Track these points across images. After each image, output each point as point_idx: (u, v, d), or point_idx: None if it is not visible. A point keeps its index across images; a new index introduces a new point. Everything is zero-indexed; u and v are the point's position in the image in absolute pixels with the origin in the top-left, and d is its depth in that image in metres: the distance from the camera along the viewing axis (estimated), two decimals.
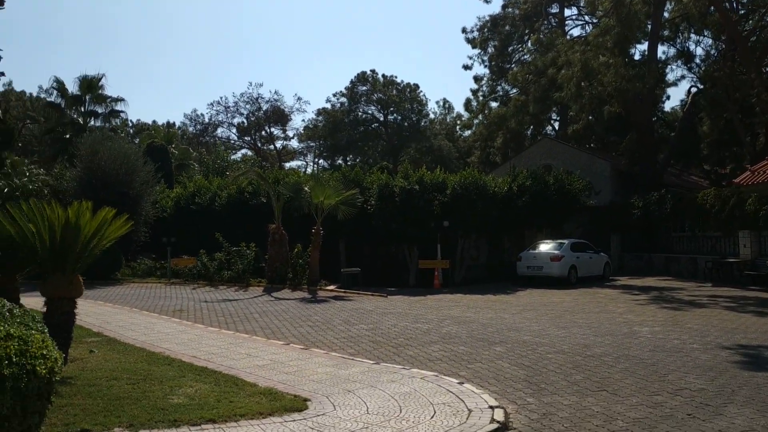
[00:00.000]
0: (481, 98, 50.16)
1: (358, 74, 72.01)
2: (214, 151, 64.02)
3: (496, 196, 25.24)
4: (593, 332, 12.78)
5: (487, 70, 50.14)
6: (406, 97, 73.20)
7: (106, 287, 22.66)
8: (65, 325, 9.17)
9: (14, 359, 5.38)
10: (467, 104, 48.76)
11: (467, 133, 72.17)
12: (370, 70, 72.37)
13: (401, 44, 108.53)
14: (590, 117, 37.64)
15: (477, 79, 51.23)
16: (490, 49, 48.52)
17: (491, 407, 7.05)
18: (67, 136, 36.53)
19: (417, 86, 73.38)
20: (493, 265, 27.56)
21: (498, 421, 6.54)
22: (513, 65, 48.46)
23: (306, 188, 22.49)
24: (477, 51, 49.45)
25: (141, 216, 27.92)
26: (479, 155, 50.47)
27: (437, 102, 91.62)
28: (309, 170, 71.17)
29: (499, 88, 49.62)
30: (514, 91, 46.66)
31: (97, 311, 15.47)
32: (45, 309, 9.20)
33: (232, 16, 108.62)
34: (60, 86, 37.21)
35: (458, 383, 8.19)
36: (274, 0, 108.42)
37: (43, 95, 55.65)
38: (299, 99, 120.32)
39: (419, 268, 24.78)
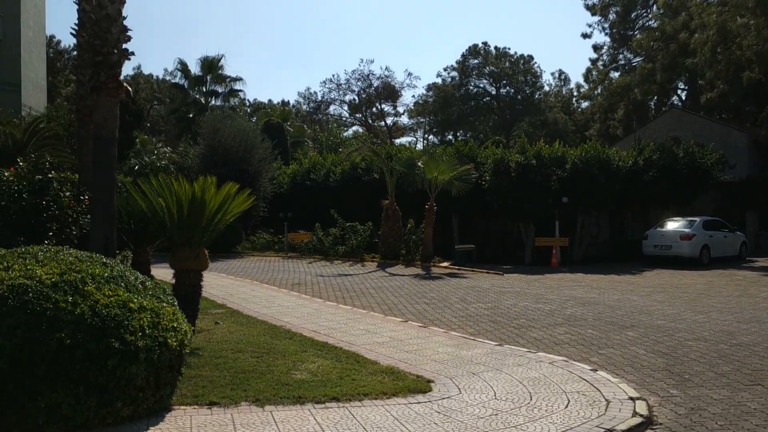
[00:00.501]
0: (601, 68, 47.65)
1: (469, 47, 70.66)
2: (327, 129, 65.11)
3: (619, 170, 23.84)
4: (736, 318, 11.68)
5: (607, 38, 47.60)
6: (520, 69, 71.06)
7: (228, 260, 23.55)
8: (192, 297, 9.40)
9: (147, 331, 5.44)
10: (587, 74, 46.57)
11: (584, 105, 69.17)
12: (482, 43, 70.80)
13: (515, 14, 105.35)
14: (725, 85, 34.66)
15: (596, 48, 48.82)
16: (611, 16, 45.85)
17: (631, 398, 6.46)
18: (191, 115, 38.24)
19: (531, 57, 71.08)
20: (615, 243, 26.21)
21: (641, 415, 5.97)
22: (636, 32, 45.58)
23: (419, 163, 22.20)
24: (597, 18, 46.89)
25: (259, 192, 28.79)
26: (598, 128, 48.11)
27: (552, 74, 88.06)
28: (419, 146, 70.94)
29: (620, 56, 46.94)
30: (638, 59, 43.99)
31: (220, 283, 16.01)
32: (173, 281, 9.50)
33: None
34: (183, 68, 38.98)
35: (591, 370, 7.63)
36: None
37: (168, 77, 58.61)
38: (410, 74, 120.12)
39: (535, 246, 23.95)
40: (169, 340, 5.63)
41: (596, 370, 7.63)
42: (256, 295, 13.93)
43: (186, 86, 39.68)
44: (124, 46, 10.05)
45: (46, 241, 11.01)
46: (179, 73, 39.31)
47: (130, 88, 10.13)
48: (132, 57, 10.23)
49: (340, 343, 8.91)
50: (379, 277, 18.37)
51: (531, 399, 6.41)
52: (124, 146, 25.83)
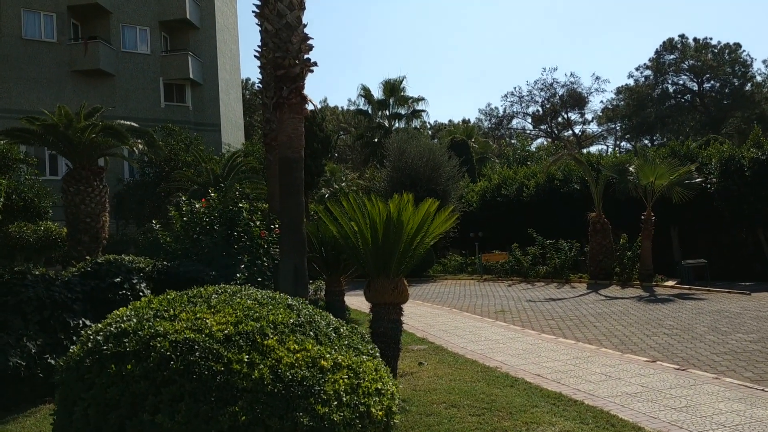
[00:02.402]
0: None
1: (664, 42, 64.55)
2: (516, 138, 62.88)
3: None
4: None
5: None
6: (725, 59, 63.47)
7: (421, 284, 22.40)
8: (392, 335, 8.05)
9: (344, 398, 4.01)
10: None
11: None
12: (679, 36, 64.40)
13: (714, 1, 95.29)
14: None
15: None
16: None
17: None
18: (376, 139, 38.30)
19: (738, 46, 63.16)
20: None
21: None
22: None
23: (631, 168, 19.42)
24: None
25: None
26: None
27: (764, 61, 78.13)
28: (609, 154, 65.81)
29: None
30: None
31: (417, 312, 14.71)
32: (370, 316, 8.24)
33: (519, 2, 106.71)
34: (366, 93, 39.23)
35: None
36: None
37: (351, 107, 60.23)
38: (597, 78, 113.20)
39: None
40: (373, 408, 4.18)
41: None
42: (458, 326, 12.37)
43: (369, 111, 39.92)
44: (306, 56, 9.12)
45: (237, 275, 10.39)
46: (362, 99, 39.69)
47: (315, 104, 9.19)
48: (315, 68, 9.29)
49: (577, 394, 6.99)
50: (594, 300, 15.98)
51: None
52: (314, 173, 26.09)
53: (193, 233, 10.71)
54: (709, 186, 20.71)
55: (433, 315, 14.16)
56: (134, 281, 8.62)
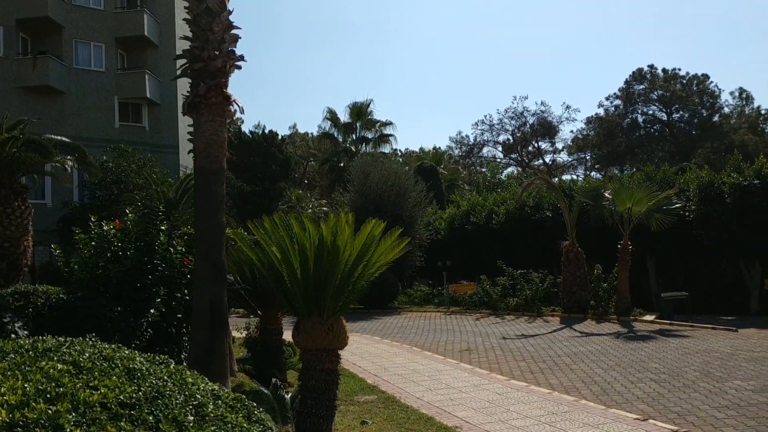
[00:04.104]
0: None
1: (633, 72, 64.67)
2: (486, 166, 62.13)
3: None
4: None
5: None
6: (693, 90, 63.77)
7: (384, 317, 20.81)
8: (326, 388, 6.46)
9: None
10: None
11: None
12: (648, 66, 64.55)
13: (682, 32, 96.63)
14: None
15: None
16: None
17: None
18: (341, 164, 36.88)
19: (706, 77, 63.56)
20: None
21: None
22: None
23: (606, 194, 18.18)
24: None
25: (415, 239, 26.12)
26: None
27: (731, 93, 78.85)
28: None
29: None
30: None
31: (373, 351, 13.09)
32: (300, 365, 6.65)
33: (489, 30, 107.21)
34: (332, 116, 37.93)
35: None
36: (531, 7, 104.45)
37: (320, 133, 58.94)
38: (568, 107, 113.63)
39: (765, 289, 18.78)
40: None
41: None
42: (417, 369, 10.78)
43: (335, 135, 38.56)
44: (231, 48, 7.61)
45: (152, 310, 8.73)
46: (328, 123, 38.31)
47: (240, 105, 7.64)
48: (243, 63, 7.79)
49: None
50: (569, 337, 14.53)
51: None
52: (272, 197, 24.59)
53: (100, 260, 9.02)
54: (687, 213, 19.58)
55: (390, 355, 12.55)
56: (5, 320, 6.92)
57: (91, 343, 3.50)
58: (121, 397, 2.85)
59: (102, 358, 3.25)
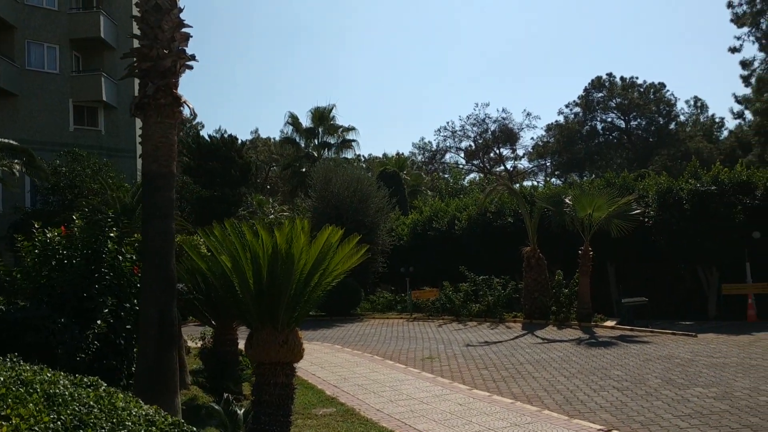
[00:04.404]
0: (753, 85, 41.64)
1: (592, 80, 65.67)
2: (449, 172, 62.35)
3: None
4: None
5: (761, 53, 41.57)
6: (650, 98, 65.10)
7: (345, 324, 20.51)
8: (281, 404, 6.18)
9: None
10: (758, 84, 40.47)
11: (725, 134, 62.39)
12: (607, 74, 65.72)
13: (640, 41, 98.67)
14: None
15: (746, 64, 42.77)
16: (763, 25, 39.99)
17: None
18: (303, 169, 36.45)
19: (663, 85, 64.91)
20: None
21: None
22: None
23: (567, 199, 18.22)
24: (745, 30, 41.13)
25: (378, 245, 25.87)
26: (758, 153, 41.74)
27: (687, 101, 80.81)
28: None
29: None
30: None
31: (333, 360, 12.79)
32: (253, 378, 6.34)
33: (451, 37, 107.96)
34: (294, 120, 37.48)
35: None
36: (493, 13, 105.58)
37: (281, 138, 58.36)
38: (528, 114, 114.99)
39: (722, 294, 19.03)
40: None
41: None
42: (377, 379, 10.52)
43: (297, 140, 38.11)
44: (182, 47, 7.27)
45: (98, 321, 8.31)
46: (291, 127, 37.84)
47: (192, 107, 7.29)
48: (194, 63, 7.45)
49: None
50: (531, 344, 14.45)
51: None
52: (231, 203, 24.06)
53: (44, 269, 8.55)
54: (647, 219, 19.76)
55: (351, 364, 12.26)
56: None
57: (9, 365, 3.15)
58: (36, 429, 2.53)
59: (19, 383, 2.91)
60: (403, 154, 74.41)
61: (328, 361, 12.56)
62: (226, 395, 6.65)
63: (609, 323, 17.09)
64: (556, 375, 10.57)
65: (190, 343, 13.94)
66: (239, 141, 28.31)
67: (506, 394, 9.26)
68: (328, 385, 10.10)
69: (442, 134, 74.22)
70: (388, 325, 20.11)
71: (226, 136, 28.55)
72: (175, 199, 7.20)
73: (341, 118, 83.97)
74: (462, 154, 74.32)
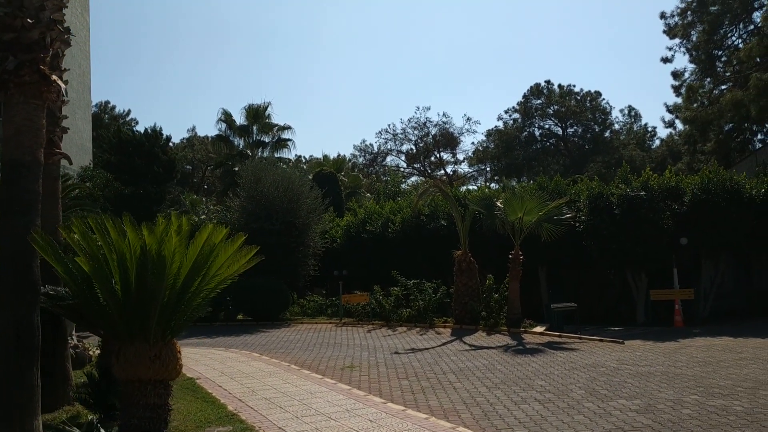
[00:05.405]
0: (683, 94, 42.76)
1: (531, 87, 66.54)
2: (388, 175, 61.94)
3: (753, 201, 18.88)
4: None
5: (690, 64, 42.74)
6: (587, 106, 66.38)
7: (271, 330, 19.62)
8: (152, 428, 5.35)
9: None
10: (687, 93, 41.46)
11: (656, 143, 64.37)
12: (545, 81, 66.58)
13: (577, 51, 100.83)
14: None
15: (677, 74, 43.92)
16: (694, 37, 41.05)
17: None
18: (236, 168, 35.25)
19: (599, 94, 66.36)
20: (743, 293, 21.06)
21: None
22: (723, 52, 40.77)
23: (498, 203, 17.86)
24: (677, 41, 42.19)
25: (309, 247, 25.04)
26: (687, 161, 42.91)
27: (621, 110, 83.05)
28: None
29: (707, 80, 41.85)
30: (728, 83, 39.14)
31: (246, 370, 11.94)
32: (121, 401, 5.50)
33: (393, 39, 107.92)
34: (227, 118, 36.23)
35: None
36: (437, 20, 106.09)
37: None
38: (469, 119, 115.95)
39: (651, 300, 19.04)
40: None
41: None
42: (288, 392, 9.75)
43: (231, 137, 36.86)
44: (53, 16, 6.36)
45: None
46: (224, 124, 36.54)
47: (63, 85, 6.39)
48: (71, 38, 6.56)
49: None
50: (457, 351, 13.94)
51: None
52: (152, 201, 22.78)
53: None
54: (578, 224, 19.62)
55: (264, 374, 11.44)
56: None
57: None
58: None
59: None
60: (345, 156, 73.77)
61: (240, 371, 11.71)
62: (91, 418, 5.79)
63: (538, 329, 16.79)
64: (478, 385, 10.04)
65: (92, 352, 12.89)
66: (164, 136, 26.97)
67: (423, 408, 8.64)
68: (232, 398, 9.27)
69: (383, 137, 73.86)
70: (315, 330, 19.33)
71: (149, 130, 27.14)
72: (40, 192, 6.27)
73: (281, 118, 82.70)
74: (403, 157, 74.16)
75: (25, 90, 6.10)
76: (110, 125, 63.06)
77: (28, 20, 6.13)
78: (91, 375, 7.99)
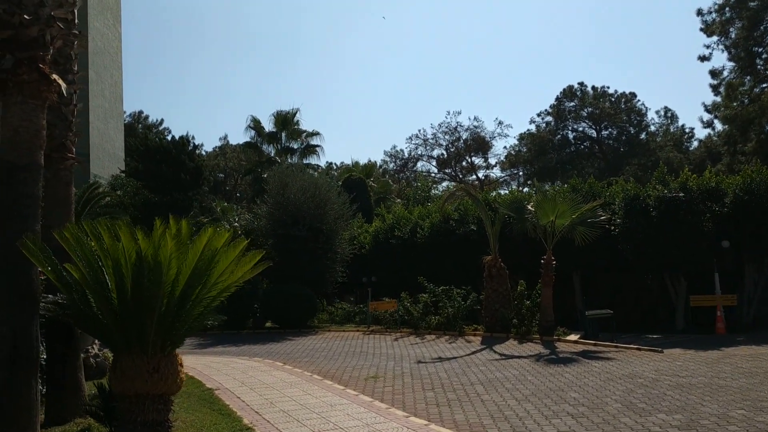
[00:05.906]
0: (722, 93, 41.50)
1: (564, 89, 65.42)
2: (418, 180, 61.47)
3: None
4: None
5: (729, 62, 41.41)
6: (622, 108, 65.03)
7: (297, 338, 19.33)
8: None
9: None
10: (727, 91, 40.22)
11: (694, 145, 62.72)
12: (578, 83, 65.42)
13: (611, 50, 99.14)
14: None
15: (715, 73, 42.62)
16: (732, 34, 39.79)
17: None
18: (265, 175, 35.20)
19: (633, 95, 64.99)
20: None
21: None
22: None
23: (530, 206, 17.27)
24: (715, 38, 40.93)
25: (336, 253, 24.70)
26: (728, 162, 41.54)
27: (657, 112, 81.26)
28: None
29: (747, 78, 40.52)
30: None
31: (267, 380, 11.60)
32: (116, 417, 5.16)
33: (423, 45, 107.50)
34: (256, 125, 36.23)
35: None
36: (465, 23, 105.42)
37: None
38: (500, 123, 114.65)
39: (691, 306, 18.20)
40: None
41: None
42: (307, 404, 9.36)
43: (260, 144, 36.83)
44: (54, 13, 6.11)
45: None
46: (253, 131, 36.55)
47: (63, 84, 6.13)
48: (78, 34, 6.29)
49: None
50: (486, 361, 13.40)
51: None
52: (180, 209, 22.72)
53: None
54: (613, 227, 18.89)
55: (284, 385, 11.08)
56: None
57: None
58: None
59: None
60: (376, 162, 73.52)
61: (260, 381, 11.37)
62: None
63: (572, 337, 16.14)
64: (507, 398, 9.51)
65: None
66: (192, 144, 26.99)
67: (447, 422, 8.16)
68: (249, 411, 8.92)
69: (413, 142, 73.43)
70: (342, 338, 18.96)
71: (176, 138, 27.22)
72: (40, 196, 6.01)
73: (310, 125, 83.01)
74: (434, 163, 73.62)
75: (23, 89, 5.85)
76: (143, 134, 64.01)
77: (26, 17, 5.88)
78: (101, 386, 7.70)
